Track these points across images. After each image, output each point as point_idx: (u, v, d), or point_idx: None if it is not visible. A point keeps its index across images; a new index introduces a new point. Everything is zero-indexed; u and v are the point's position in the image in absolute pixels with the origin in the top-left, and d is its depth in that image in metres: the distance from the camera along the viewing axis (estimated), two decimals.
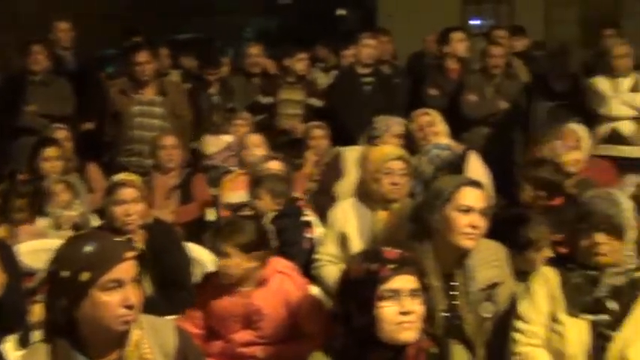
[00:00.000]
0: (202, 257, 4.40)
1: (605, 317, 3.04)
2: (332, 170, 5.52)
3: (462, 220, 3.18)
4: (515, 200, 4.54)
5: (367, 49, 7.24)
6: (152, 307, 2.74)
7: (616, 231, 3.05)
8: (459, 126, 6.07)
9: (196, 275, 4.22)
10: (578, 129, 5.31)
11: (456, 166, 4.58)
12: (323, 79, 8.12)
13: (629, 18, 12.80)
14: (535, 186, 4.39)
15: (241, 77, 7.76)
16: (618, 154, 6.11)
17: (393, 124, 5.53)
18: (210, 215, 5.55)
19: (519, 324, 3.13)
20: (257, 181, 4.77)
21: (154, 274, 3.99)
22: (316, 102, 7.33)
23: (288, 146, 6.66)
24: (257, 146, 5.80)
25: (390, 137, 5.42)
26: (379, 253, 2.57)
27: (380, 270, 2.49)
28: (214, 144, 6.53)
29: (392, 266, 2.50)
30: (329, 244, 4.25)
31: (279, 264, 3.66)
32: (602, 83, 6.50)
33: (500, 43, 7.36)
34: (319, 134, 6.38)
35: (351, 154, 5.48)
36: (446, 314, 3.19)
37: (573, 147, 5.07)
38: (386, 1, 14.34)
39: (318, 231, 4.67)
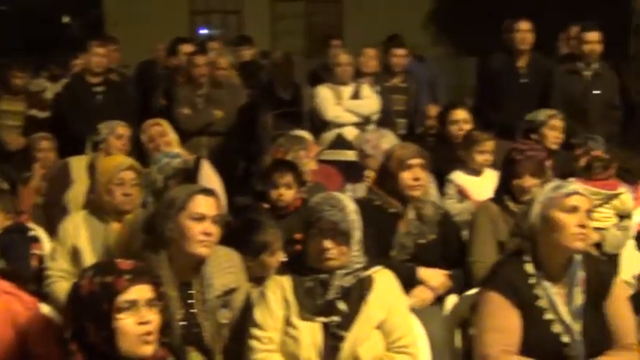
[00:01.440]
0: None
1: (336, 318, 3.14)
2: (60, 181, 5.36)
3: (196, 228, 3.18)
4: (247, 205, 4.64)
5: (97, 57, 7.08)
6: None
7: (343, 235, 3.17)
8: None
9: None
10: (306, 135, 5.53)
11: (187, 174, 4.58)
12: (51, 89, 7.84)
13: (352, 28, 13.45)
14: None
15: None
16: (344, 158, 6.37)
17: (116, 126, 5.52)
18: None
19: (255, 331, 3.17)
20: None
21: None
22: (39, 113, 7.07)
23: (9, 159, 6.38)
24: None
25: (114, 140, 5.42)
26: (113, 265, 2.52)
27: (115, 282, 2.44)
28: None
29: (127, 277, 2.46)
30: (59, 259, 4.10)
31: (4, 285, 3.46)
32: (325, 91, 6.78)
33: (204, 53, 7.47)
34: (46, 146, 6.16)
35: (79, 163, 5.37)
36: (183, 323, 3.17)
37: (313, 157, 5.26)
38: (112, 8, 14.05)
39: (47, 246, 4.48)
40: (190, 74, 7.03)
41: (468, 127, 5.78)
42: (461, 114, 5.97)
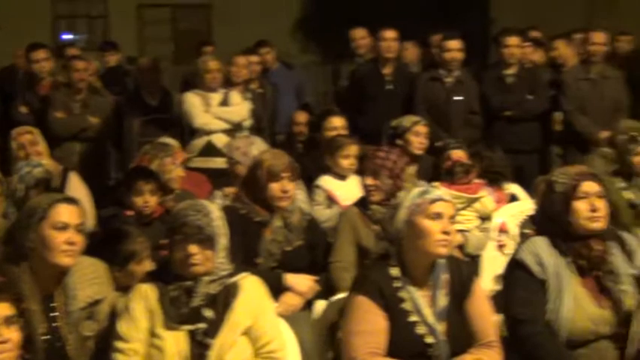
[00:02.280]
0: None
1: (202, 326, 3.12)
2: None
3: (59, 238, 3.09)
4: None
5: None
6: None
7: (208, 240, 3.16)
8: (50, 143, 5.93)
9: None
10: (172, 142, 5.48)
11: (48, 184, 4.46)
12: None
13: (221, 34, 13.37)
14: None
15: None
16: (214, 165, 6.33)
17: None
18: None
19: (118, 343, 3.11)
20: None
21: None
22: None
23: None
24: None
25: None
26: None
27: None
28: None
29: None
30: None
31: None
32: (193, 98, 6.72)
33: (84, 58, 7.34)
34: None
35: None
36: (46, 337, 3.08)
37: (179, 164, 5.20)
38: None
39: None
40: (70, 79, 6.88)
41: (344, 133, 5.87)
42: (337, 121, 6.05)
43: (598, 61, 7.25)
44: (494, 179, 5.60)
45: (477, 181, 5.17)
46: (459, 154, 5.32)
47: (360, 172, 4.39)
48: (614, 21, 9.63)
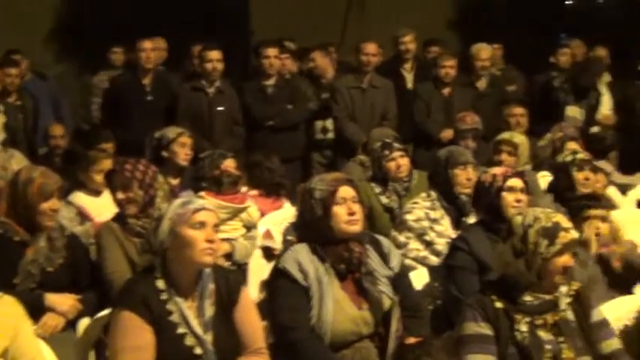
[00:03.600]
0: None
1: None
2: None
3: None
4: None
5: None
6: None
7: None
8: None
9: None
10: None
11: None
12: None
13: None
14: None
15: None
16: None
17: None
18: None
19: None
20: None
21: None
22: None
23: None
24: None
25: None
26: None
27: None
28: None
29: None
30: None
31: None
32: None
33: None
34: None
35: None
36: None
37: None
38: None
39: None
40: None
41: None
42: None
43: (369, 71, 7.56)
44: (274, 189, 5.68)
45: (243, 190, 5.23)
46: (228, 164, 5.34)
47: (110, 186, 4.27)
48: (364, 33, 10.06)
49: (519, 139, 6.20)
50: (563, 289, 3.17)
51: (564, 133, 6.26)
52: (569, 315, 3.15)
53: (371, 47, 7.57)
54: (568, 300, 3.17)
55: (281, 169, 5.83)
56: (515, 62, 9.15)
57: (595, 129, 7.06)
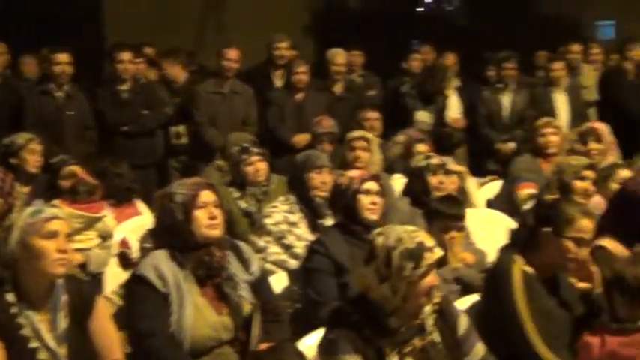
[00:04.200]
0: None
1: None
2: None
3: None
4: None
5: None
6: None
7: None
8: None
9: None
10: None
11: None
12: None
13: None
14: None
15: None
16: None
17: None
18: None
19: None
20: None
21: None
22: None
23: None
24: None
25: None
26: None
27: None
28: None
29: None
30: None
31: None
32: None
33: None
34: None
35: None
36: None
37: None
38: None
39: None
40: None
41: None
42: None
43: (230, 76, 7.54)
44: (125, 196, 5.57)
45: (98, 200, 5.12)
46: (80, 172, 5.21)
47: None
48: (221, 39, 10.06)
49: (370, 136, 6.33)
50: (427, 307, 3.11)
51: (412, 137, 6.42)
52: (436, 337, 3.11)
53: (232, 53, 7.57)
54: (432, 319, 3.13)
55: (130, 174, 5.73)
56: (373, 68, 9.34)
57: (448, 129, 7.27)
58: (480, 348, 3.21)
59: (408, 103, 8.03)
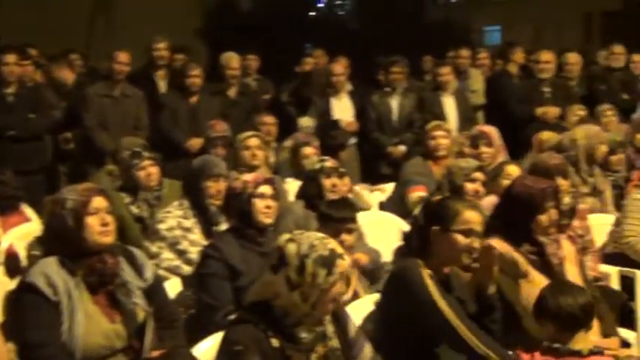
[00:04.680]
0: None
1: None
2: None
3: None
4: None
5: None
6: None
7: None
8: None
9: None
10: None
11: None
12: None
13: None
14: None
15: None
16: None
17: None
18: None
19: None
20: None
21: None
22: None
23: None
24: None
25: None
26: None
27: None
28: None
29: None
30: None
31: None
32: None
33: None
34: None
35: None
36: None
37: None
38: None
39: None
40: None
41: None
42: None
43: (121, 80, 7.45)
44: (9, 204, 5.41)
45: None
46: None
47: None
48: (110, 41, 9.92)
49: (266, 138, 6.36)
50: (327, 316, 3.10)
51: (298, 141, 6.45)
52: (335, 342, 3.12)
53: (123, 56, 7.48)
54: (332, 326, 3.12)
55: (13, 181, 5.56)
56: (267, 72, 9.36)
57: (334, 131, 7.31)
58: (368, 349, 3.23)
59: (289, 112, 8.09)
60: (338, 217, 4.31)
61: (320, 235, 3.10)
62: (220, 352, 3.04)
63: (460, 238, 3.52)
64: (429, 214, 3.63)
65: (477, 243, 3.53)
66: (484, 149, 6.08)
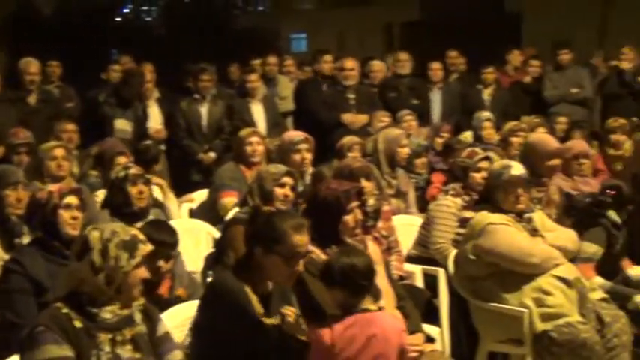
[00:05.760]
0: None
1: None
2: None
3: None
4: None
5: None
6: None
7: None
8: None
9: None
10: None
11: None
12: None
13: None
14: None
15: None
16: None
17: None
18: None
19: None
20: None
21: None
22: None
23: None
24: None
25: None
26: None
27: None
28: None
29: None
30: None
31: None
32: None
33: None
34: None
35: None
36: None
37: None
38: None
39: None
40: None
41: None
42: None
43: None
44: None
45: None
46: None
47: None
48: None
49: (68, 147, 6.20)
50: (135, 303, 3.16)
51: (112, 149, 6.30)
52: (143, 328, 3.16)
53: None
54: (140, 314, 3.17)
55: None
56: (71, 79, 9.10)
57: (146, 143, 7.21)
58: (177, 354, 3.25)
59: (106, 112, 7.90)
60: (159, 239, 4.03)
61: (123, 225, 3.23)
62: (22, 343, 3.01)
63: (284, 262, 3.42)
64: (255, 232, 3.52)
65: (301, 266, 3.50)
66: (305, 155, 6.22)
